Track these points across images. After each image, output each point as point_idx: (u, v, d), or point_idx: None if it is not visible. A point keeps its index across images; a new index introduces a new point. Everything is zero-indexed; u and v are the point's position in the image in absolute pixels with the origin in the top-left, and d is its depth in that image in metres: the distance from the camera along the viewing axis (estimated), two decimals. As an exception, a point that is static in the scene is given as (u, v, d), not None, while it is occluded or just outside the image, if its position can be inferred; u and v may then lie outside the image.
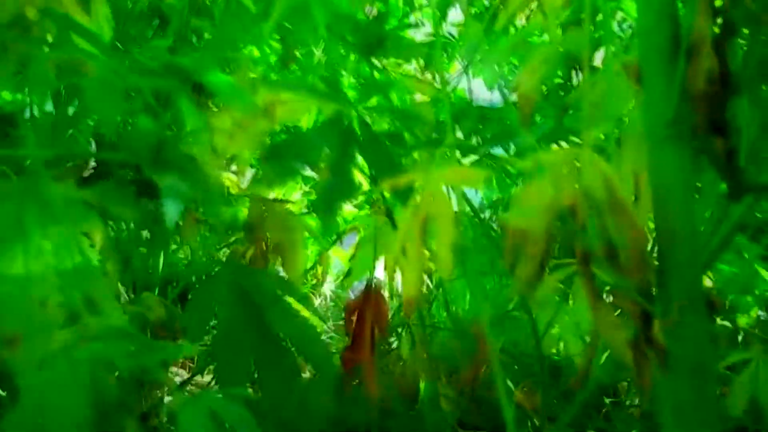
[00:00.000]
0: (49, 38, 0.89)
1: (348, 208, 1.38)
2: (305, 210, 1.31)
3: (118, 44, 1.11)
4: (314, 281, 1.60)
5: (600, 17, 0.67)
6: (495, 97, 1.27)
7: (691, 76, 0.57)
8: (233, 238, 1.19)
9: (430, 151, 0.87)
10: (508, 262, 0.64)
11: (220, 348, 0.76)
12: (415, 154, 0.91)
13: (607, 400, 1.22)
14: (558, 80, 1.24)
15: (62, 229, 0.68)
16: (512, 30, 1.07)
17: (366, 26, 0.94)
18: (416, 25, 1.21)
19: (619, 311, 0.63)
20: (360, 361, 0.85)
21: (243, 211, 1.10)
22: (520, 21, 1.05)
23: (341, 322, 1.65)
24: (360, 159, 0.85)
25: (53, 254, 0.65)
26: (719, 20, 0.58)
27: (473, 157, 0.96)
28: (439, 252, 0.67)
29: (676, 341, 0.59)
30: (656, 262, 0.61)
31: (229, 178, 1.19)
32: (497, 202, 1.42)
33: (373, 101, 0.92)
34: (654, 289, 0.61)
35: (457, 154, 0.94)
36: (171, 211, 0.81)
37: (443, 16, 1.21)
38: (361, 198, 1.23)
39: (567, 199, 0.59)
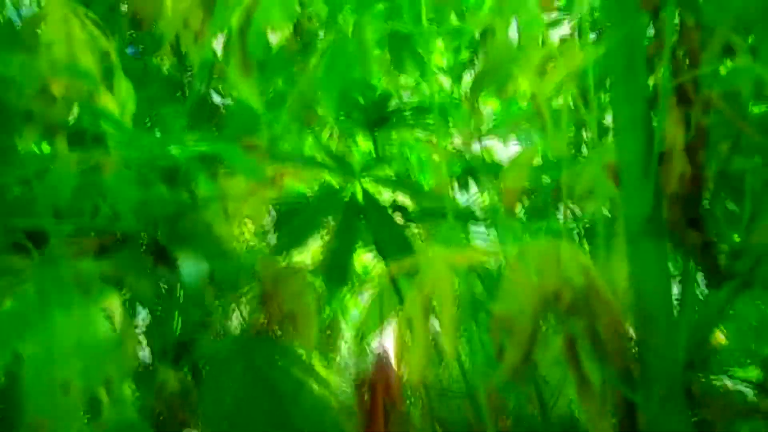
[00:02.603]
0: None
1: (367, 257, 1.43)
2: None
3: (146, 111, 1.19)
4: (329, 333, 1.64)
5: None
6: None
7: (664, 178, 0.63)
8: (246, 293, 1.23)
9: (433, 222, 0.94)
10: (496, 349, 0.69)
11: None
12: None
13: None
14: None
15: (83, 306, 0.72)
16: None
17: (370, 106, 1.02)
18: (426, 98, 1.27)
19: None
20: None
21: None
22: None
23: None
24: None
25: (74, 332, 0.68)
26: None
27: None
28: (442, 332, 0.73)
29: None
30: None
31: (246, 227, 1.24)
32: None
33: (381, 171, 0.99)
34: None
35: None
36: (191, 281, 0.89)
37: (458, 80, 1.28)
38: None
39: (550, 286, 0.65)
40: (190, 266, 0.89)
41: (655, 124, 0.65)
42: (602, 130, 0.87)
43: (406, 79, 1.34)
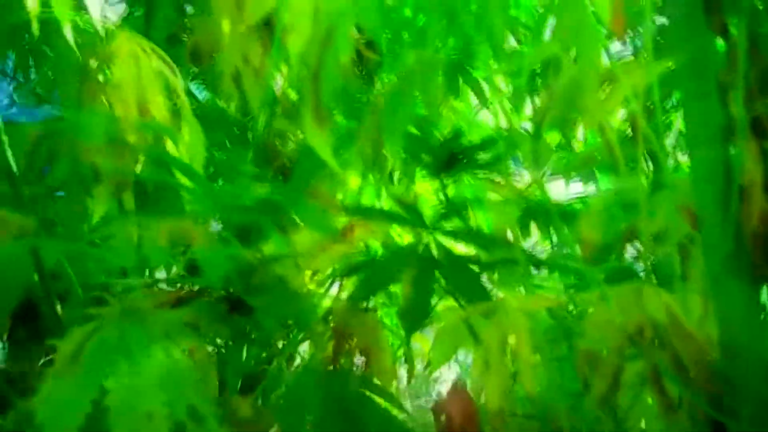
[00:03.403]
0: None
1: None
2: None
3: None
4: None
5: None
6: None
7: (745, 217, 0.65)
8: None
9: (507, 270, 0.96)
10: (582, 381, 0.72)
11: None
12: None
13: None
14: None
15: (163, 344, 0.76)
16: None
17: (439, 147, 1.05)
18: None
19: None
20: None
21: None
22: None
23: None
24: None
25: (156, 366, 0.72)
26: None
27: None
28: (520, 370, 0.77)
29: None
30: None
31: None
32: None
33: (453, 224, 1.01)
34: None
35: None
36: (265, 326, 0.93)
37: (519, 110, 1.27)
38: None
39: (633, 323, 0.70)
40: (266, 313, 0.93)
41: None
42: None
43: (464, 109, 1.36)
